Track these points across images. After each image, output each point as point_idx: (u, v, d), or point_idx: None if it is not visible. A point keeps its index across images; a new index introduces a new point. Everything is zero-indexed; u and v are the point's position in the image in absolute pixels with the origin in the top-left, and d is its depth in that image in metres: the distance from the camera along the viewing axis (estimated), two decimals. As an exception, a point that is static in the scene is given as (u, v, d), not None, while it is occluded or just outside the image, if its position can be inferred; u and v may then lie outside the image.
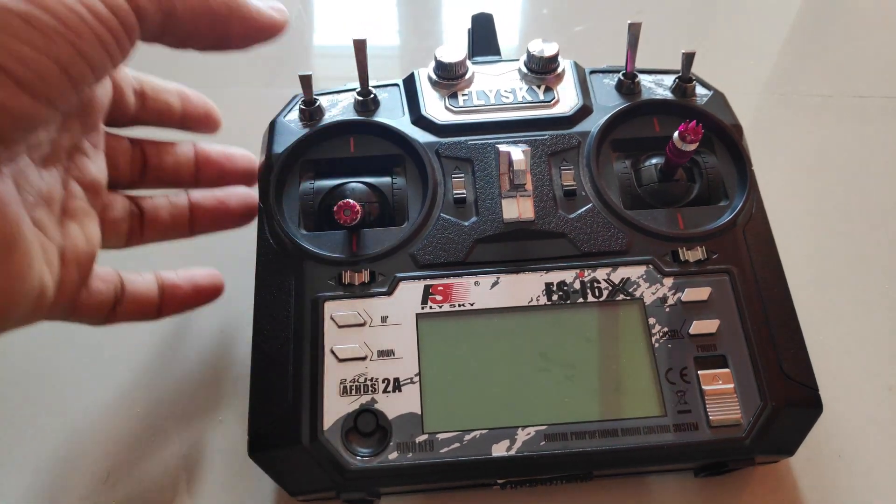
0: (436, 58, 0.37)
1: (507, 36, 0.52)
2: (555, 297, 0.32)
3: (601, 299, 0.32)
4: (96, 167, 0.31)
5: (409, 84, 0.38)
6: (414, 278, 0.33)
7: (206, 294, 0.36)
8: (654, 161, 0.36)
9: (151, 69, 0.52)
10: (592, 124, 0.36)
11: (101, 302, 0.31)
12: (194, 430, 0.36)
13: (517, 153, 0.33)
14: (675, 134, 0.33)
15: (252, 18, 0.29)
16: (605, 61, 0.39)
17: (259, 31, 0.29)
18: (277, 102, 0.38)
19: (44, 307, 0.27)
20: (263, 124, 0.38)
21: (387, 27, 0.58)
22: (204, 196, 0.36)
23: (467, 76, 0.38)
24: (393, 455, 0.29)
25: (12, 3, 0.21)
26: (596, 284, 0.32)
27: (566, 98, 0.37)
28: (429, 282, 0.32)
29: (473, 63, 0.39)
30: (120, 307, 0.32)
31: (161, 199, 0.35)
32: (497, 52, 0.41)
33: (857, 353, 0.39)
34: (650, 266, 0.33)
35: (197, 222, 0.36)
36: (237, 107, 0.50)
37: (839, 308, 0.40)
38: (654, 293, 0.32)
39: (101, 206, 0.31)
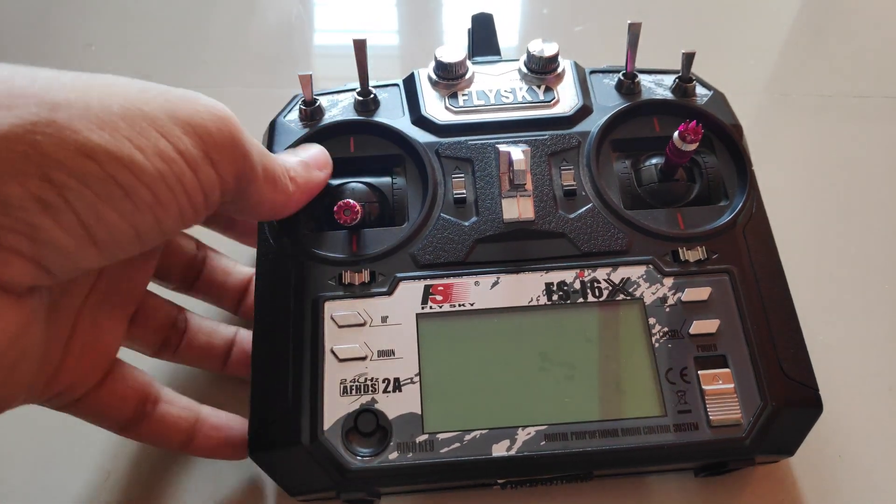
0: (436, 58, 0.37)
1: (507, 36, 0.52)
2: (555, 297, 0.32)
3: (601, 299, 0.32)
4: (141, 275, 0.31)
5: (410, 84, 0.38)
6: (414, 278, 0.32)
7: (228, 451, 0.32)
8: (654, 161, 0.36)
9: (153, 68, 0.52)
10: (592, 124, 0.36)
11: (116, 411, 0.30)
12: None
13: (517, 153, 0.33)
14: (675, 134, 0.33)
15: (303, 193, 0.31)
16: (604, 61, 0.39)
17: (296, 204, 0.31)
18: (277, 103, 0.38)
19: (25, 394, 0.25)
20: (263, 125, 0.38)
21: (387, 27, 0.58)
22: (243, 343, 0.35)
23: (467, 76, 0.38)
24: (393, 455, 0.29)
25: (120, 175, 0.22)
26: (596, 284, 0.32)
27: (566, 98, 0.37)
28: (429, 282, 0.32)
29: (473, 63, 0.39)
30: (142, 424, 0.30)
31: (208, 323, 0.35)
32: (497, 52, 0.41)
33: (857, 353, 0.39)
34: (650, 266, 0.33)
35: (229, 364, 0.35)
36: (237, 107, 0.50)
37: (839, 308, 0.40)
38: (654, 293, 0.32)
39: (135, 306, 0.31)
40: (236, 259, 0.37)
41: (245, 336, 0.35)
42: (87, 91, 0.22)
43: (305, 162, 0.32)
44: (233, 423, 0.33)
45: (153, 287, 0.33)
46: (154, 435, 0.31)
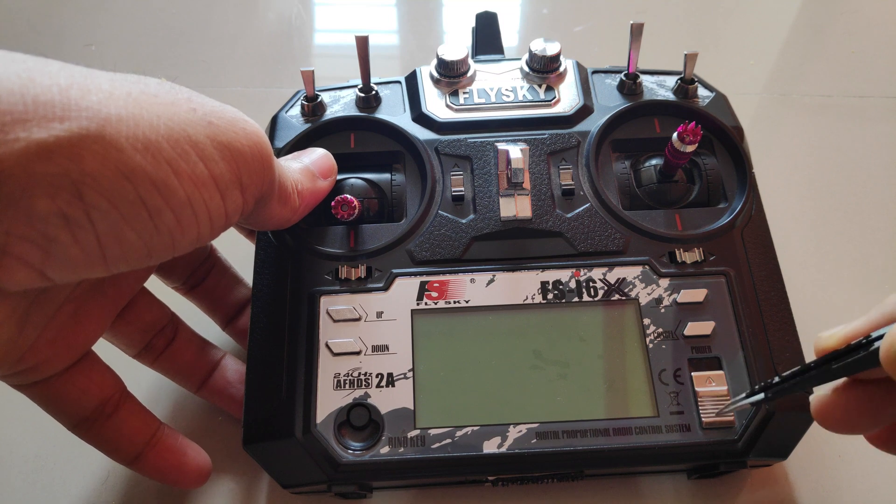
0: (438, 55, 0.37)
1: (507, 36, 0.52)
2: (550, 296, 0.32)
3: (596, 299, 0.32)
4: (140, 271, 0.30)
5: (411, 81, 0.38)
6: (410, 274, 0.33)
7: (177, 478, 0.31)
8: (653, 162, 0.36)
9: (153, 68, 0.52)
10: (593, 124, 0.36)
11: (74, 404, 0.29)
12: (193, 429, 0.36)
13: (515, 151, 0.33)
14: (674, 135, 0.33)
15: (307, 207, 0.31)
16: (603, 62, 0.39)
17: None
18: (277, 102, 0.38)
19: None
20: (263, 124, 0.38)
21: (386, 27, 0.58)
22: (226, 370, 0.35)
23: (469, 74, 0.38)
24: (385, 449, 0.29)
25: (151, 198, 0.22)
26: (592, 284, 0.32)
27: (567, 97, 0.37)
28: (425, 278, 0.33)
29: (476, 61, 0.39)
30: (95, 426, 0.29)
31: (198, 338, 0.34)
32: (500, 50, 0.42)
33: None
34: (647, 267, 0.33)
35: (207, 386, 0.34)
36: (237, 107, 0.50)
37: (839, 308, 0.40)
38: (649, 294, 0.32)
39: (127, 300, 0.30)
40: (241, 266, 0.37)
41: (230, 364, 0.35)
42: (139, 107, 0.22)
43: (311, 171, 0.31)
44: (189, 450, 0.32)
45: (152, 283, 0.32)
46: (105, 441, 0.30)
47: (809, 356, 0.31)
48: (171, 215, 0.22)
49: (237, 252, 0.38)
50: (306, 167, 0.31)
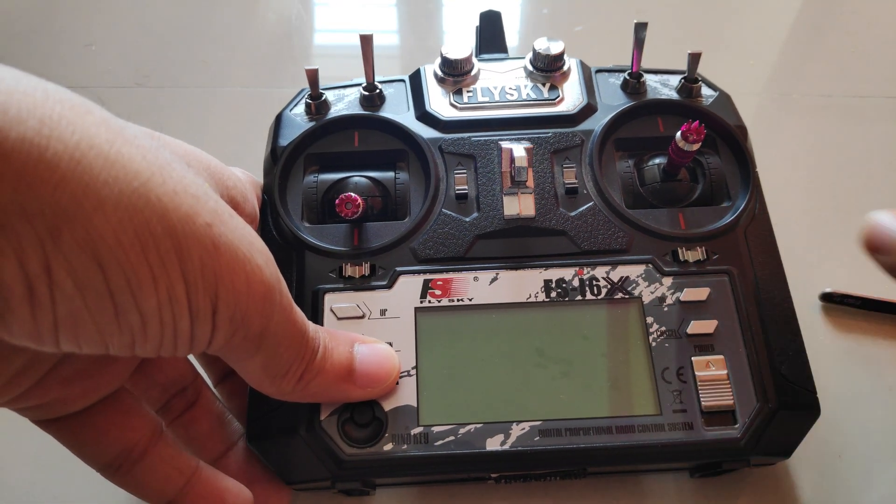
0: (442, 54, 0.38)
1: (507, 36, 0.53)
2: (553, 294, 0.32)
3: (599, 297, 0.32)
4: None
5: (415, 80, 0.38)
6: (414, 272, 0.33)
7: None
8: (657, 161, 0.36)
9: (153, 67, 0.52)
10: (596, 123, 0.36)
11: (98, 445, 0.26)
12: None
13: (519, 150, 0.33)
14: (678, 134, 0.33)
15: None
16: (603, 61, 0.39)
17: None
18: (277, 103, 0.38)
19: None
20: (263, 124, 0.38)
21: (387, 27, 0.58)
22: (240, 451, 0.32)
23: (473, 73, 0.38)
24: (388, 446, 0.29)
25: (119, 295, 0.20)
26: (595, 282, 0.33)
27: (571, 96, 0.37)
28: (428, 276, 0.33)
29: (480, 60, 0.39)
30: (128, 469, 0.27)
31: (218, 408, 0.32)
32: (504, 49, 0.42)
33: (857, 352, 0.38)
34: (650, 265, 0.33)
35: (216, 466, 0.30)
36: (237, 107, 0.51)
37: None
38: (652, 292, 0.32)
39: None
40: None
41: (245, 448, 0.32)
42: (146, 200, 0.20)
43: (346, 369, 0.28)
44: (228, 494, 0.29)
45: None
46: (133, 487, 0.27)
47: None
48: (136, 318, 0.20)
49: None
50: (344, 364, 0.28)
